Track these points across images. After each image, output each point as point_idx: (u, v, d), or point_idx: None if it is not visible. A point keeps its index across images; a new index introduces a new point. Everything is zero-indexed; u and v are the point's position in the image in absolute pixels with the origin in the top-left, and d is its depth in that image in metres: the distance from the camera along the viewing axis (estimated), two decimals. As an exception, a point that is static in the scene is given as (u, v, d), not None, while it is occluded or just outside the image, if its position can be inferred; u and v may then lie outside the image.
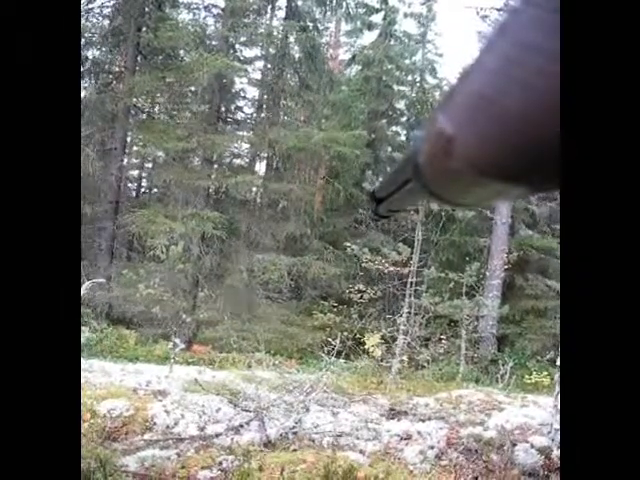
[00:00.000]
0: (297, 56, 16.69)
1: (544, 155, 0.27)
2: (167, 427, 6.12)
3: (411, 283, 11.34)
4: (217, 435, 5.96)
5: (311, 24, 17.27)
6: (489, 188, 0.33)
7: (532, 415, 7.02)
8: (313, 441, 5.96)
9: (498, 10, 18.41)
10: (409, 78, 22.40)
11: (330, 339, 8.73)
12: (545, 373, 11.18)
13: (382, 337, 11.70)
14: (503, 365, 11.43)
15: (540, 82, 0.26)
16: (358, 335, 12.28)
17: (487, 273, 14.26)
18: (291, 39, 16.61)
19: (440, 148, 0.35)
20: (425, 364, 12.07)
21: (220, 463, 5.44)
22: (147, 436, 5.98)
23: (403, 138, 21.47)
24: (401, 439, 6.25)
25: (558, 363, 6.17)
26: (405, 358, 11.45)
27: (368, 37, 21.25)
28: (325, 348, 8.54)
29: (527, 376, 11.68)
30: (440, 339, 12.70)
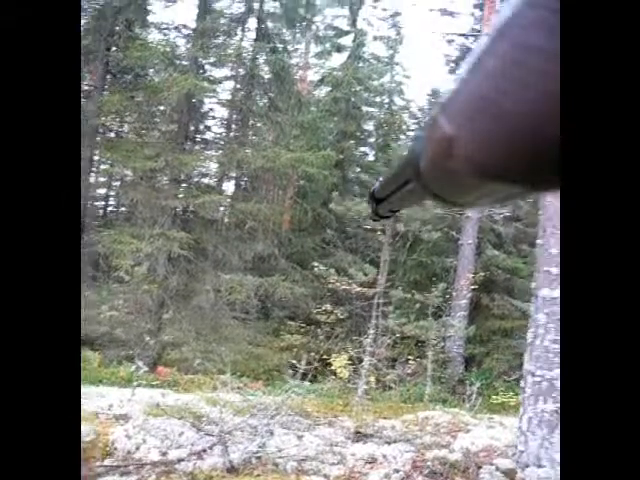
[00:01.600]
0: (266, 77, 16.77)
1: (544, 155, 0.27)
2: (128, 452, 5.99)
3: (377, 304, 11.34)
4: (179, 460, 5.84)
5: (280, 45, 17.38)
6: (489, 188, 0.33)
7: (498, 437, 7.03)
8: (277, 465, 5.87)
9: (463, 35, 18.76)
10: (377, 99, 22.63)
11: (296, 360, 8.70)
12: (512, 393, 11.24)
13: (349, 358, 11.69)
14: (470, 385, 11.46)
15: (540, 82, 0.26)
16: (325, 356, 12.24)
17: (454, 293, 14.35)
18: (260, 60, 16.71)
19: (440, 148, 0.34)
20: (392, 385, 12.07)
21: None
22: (107, 462, 5.84)
23: (371, 159, 21.63)
24: (366, 463, 6.20)
25: (522, 384, 6.19)
26: (372, 379, 11.44)
27: (337, 59, 21.46)
28: (291, 370, 8.49)
29: (494, 396, 11.74)
30: (407, 360, 12.74)
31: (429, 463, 6.14)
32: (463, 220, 14.99)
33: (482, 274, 14.34)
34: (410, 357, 12.77)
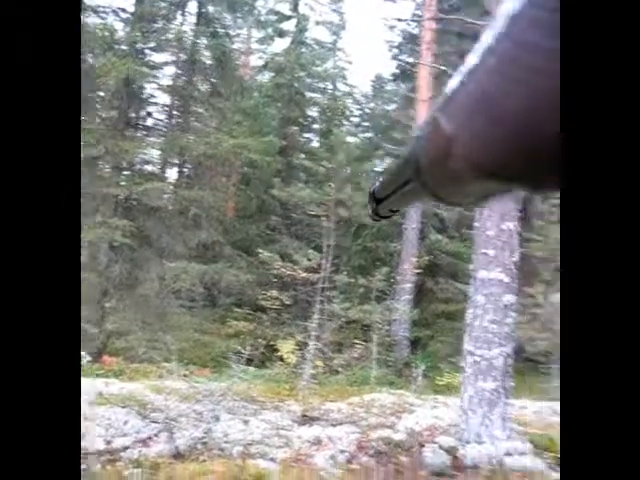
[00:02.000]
0: (208, 62, 16.56)
1: (544, 155, 0.27)
2: (72, 442, 5.92)
3: (322, 289, 11.41)
4: (125, 448, 5.81)
5: (222, 30, 17.17)
6: (489, 188, 0.33)
7: (441, 416, 7.18)
8: (223, 450, 5.89)
9: (405, 21, 18.85)
10: (321, 85, 22.58)
11: (243, 347, 8.69)
12: (456, 374, 11.44)
13: (296, 343, 11.75)
14: (415, 368, 11.62)
15: (540, 82, 0.26)
16: (272, 342, 12.27)
17: (398, 277, 14.52)
18: (202, 45, 16.48)
19: (440, 148, 0.35)
20: (339, 369, 12.16)
21: (128, 477, 5.31)
22: (51, 452, 5.76)
23: (315, 145, 21.63)
24: (312, 445, 6.26)
25: (462, 364, 6.33)
26: (320, 364, 11.52)
27: (280, 44, 21.35)
28: (238, 356, 8.49)
29: (438, 378, 11.93)
30: (354, 344, 12.84)
31: (374, 443, 6.23)
32: (406, 205, 15.13)
33: (426, 258, 14.55)
34: (356, 341, 12.90)
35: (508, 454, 5.84)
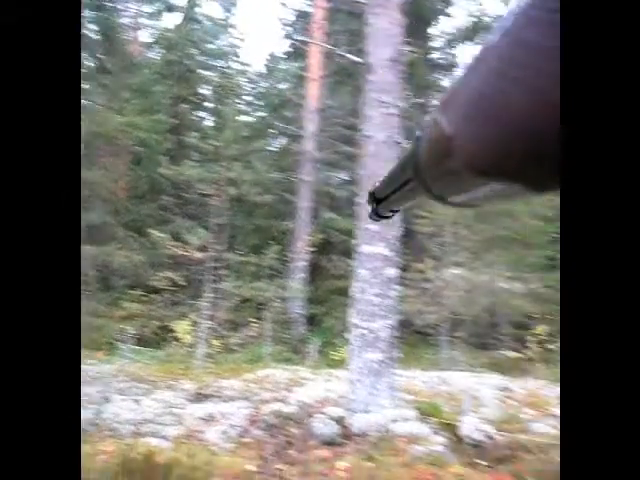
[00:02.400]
0: (94, 37, 16.05)
1: (544, 155, 0.28)
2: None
3: (214, 268, 11.39)
4: (11, 434, 5.67)
5: (109, 4, 16.67)
6: (489, 188, 0.33)
7: (332, 389, 7.38)
8: (113, 431, 5.86)
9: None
10: (213, 63, 22.25)
11: (137, 329, 8.61)
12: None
13: (191, 323, 11.70)
14: (310, 344, 11.81)
15: (540, 82, 0.26)
16: (167, 323, 12.17)
17: (292, 256, 14.65)
18: (87, 18, 15.93)
19: (440, 148, 0.35)
20: (236, 348, 12.21)
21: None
22: None
23: (208, 123, 21.37)
24: (204, 421, 6.32)
25: (349, 337, 6.51)
26: (217, 343, 11.53)
27: (170, 20, 20.92)
28: (131, 338, 8.40)
29: (333, 353, 12.17)
30: (250, 322, 12.91)
31: (265, 417, 6.34)
32: (298, 184, 15.26)
33: (319, 236, 14.73)
34: (252, 320, 12.97)
35: (394, 421, 6.07)
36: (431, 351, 13.59)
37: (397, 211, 0.73)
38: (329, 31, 15.93)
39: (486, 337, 15.67)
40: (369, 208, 0.75)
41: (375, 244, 6.01)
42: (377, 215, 0.74)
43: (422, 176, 0.42)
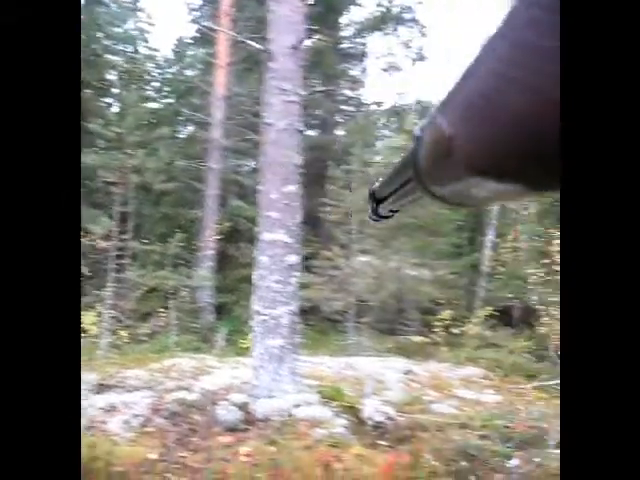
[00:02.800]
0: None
1: (543, 155, 0.27)
2: None
3: (118, 257, 11.20)
4: None
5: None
6: (489, 188, 0.33)
7: (238, 376, 7.39)
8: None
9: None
10: (120, 47, 21.66)
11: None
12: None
13: (97, 314, 11.46)
14: (219, 332, 11.78)
15: (539, 82, 0.26)
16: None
17: (200, 244, 14.54)
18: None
19: (440, 148, 0.35)
20: (144, 338, 12.05)
21: None
22: None
23: (115, 110, 20.84)
24: (106, 412, 6.23)
25: (251, 324, 6.55)
26: (124, 334, 11.34)
27: (74, 2, 20.17)
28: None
29: (241, 341, 12.16)
30: (158, 312, 12.76)
31: (169, 405, 6.31)
32: (206, 171, 15.13)
33: (227, 224, 14.68)
34: (161, 309, 12.82)
35: (297, 406, 6.15)
36: (339, 337, 13.77)
37: (397, 211, 0.73)
38: (236, 17, 15.81)
39: (393, 322, 15.99)
40: (369, 208, 0.76)
41: (276, 231, 6.05)
42: (377, 215, 0.75)
43: (422, 176, 0.42)
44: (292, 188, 6.11)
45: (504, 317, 18.27)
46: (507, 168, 0.30)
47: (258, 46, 6.65)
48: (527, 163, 0.28)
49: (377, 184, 0.71)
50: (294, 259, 6.21)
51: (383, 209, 0.71)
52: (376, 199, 0.70)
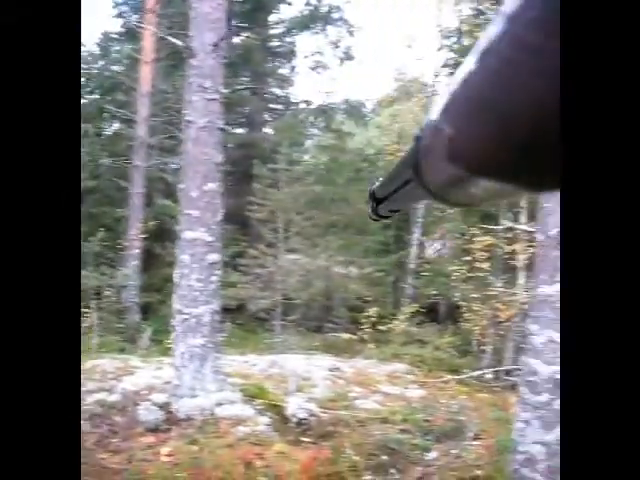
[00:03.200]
0: None
1: (544, 156, 0.27)
2: None
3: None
4: None
5: None
6: (489, 188, 0.33)
7: (161, 376, 7.32)
8: None
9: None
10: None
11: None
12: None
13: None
14: (145, 332, 11.62)
15: (540, 83, 0.25)
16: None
17: (126, 243, 14.31)
18: None
19: (440, 149, 0.35)
20: (67, 339, 11.79)
21: None
22: None
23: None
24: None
25: (172, 322, 6.50)
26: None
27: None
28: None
29: (167, 341, 12.03)
30: (84, 313, 12.50)
31: (89, 407, 6.21)
32: (131, 169, 14.89)
33: (152, 223, 14.48)
34: (85, 309, 12.56)
35: (220, 404, 6.14)
36: (267, 335, 13.77)
37: (397, 211, 0.74)
38: (161, 13, 15.61)
39: (321, 320, 16.09)
40: (369, 208, 0.75)
41: (196, 230, 6.02)
42: (377, 215, 0.74)
43: (422, 176, 0.41)
44: (213, 186, 6.09)
45: (430, 314, 18.61)
46: (507, 168, 0.30)
47: (180, 43, 6.59)
48: (527, 163, 0.28)
49: (377, 184, 0.71)
50: (215, 257, 6.19)
51: (383, 209, 0.71)
52: (376, 199, 0.70)
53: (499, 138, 0.28)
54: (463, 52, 17.17)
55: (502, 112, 0.27)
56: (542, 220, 4.10)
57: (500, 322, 11.68)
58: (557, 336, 3.90)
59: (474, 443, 6.42)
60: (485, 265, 12.14)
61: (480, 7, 13.12)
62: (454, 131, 0.32)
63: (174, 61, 15.87)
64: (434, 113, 0.35)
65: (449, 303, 17.07)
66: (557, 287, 3.88)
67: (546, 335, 3.93)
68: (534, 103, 0.26)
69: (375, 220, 0.82)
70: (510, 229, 10.55)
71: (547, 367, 3.94)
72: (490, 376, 10.85)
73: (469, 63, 0.30)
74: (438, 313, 19.08)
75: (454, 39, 19.08)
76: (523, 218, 11.17)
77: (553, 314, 3.90)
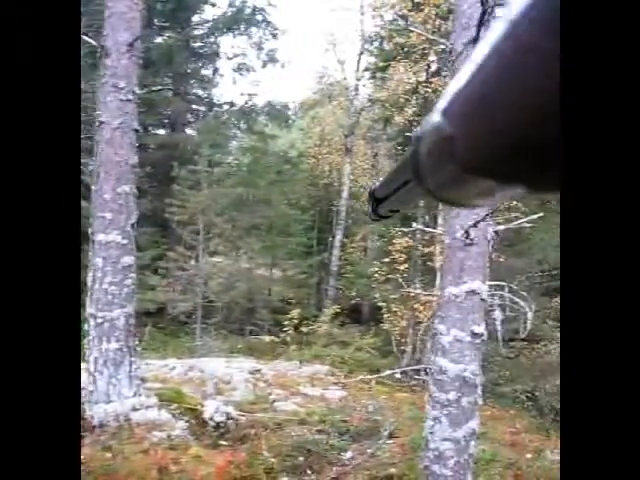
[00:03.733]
0: None
1: (544, 156, 0.27)
2: None
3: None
4: None
5: None
6: (490, 189, 0.33)
7: (75, 382, 7.15)
8: None
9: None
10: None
11: None
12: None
13: None
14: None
15: (540, 83, 0.25)
16: None
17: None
18: None
19: (440, 148, 0.35)
20: None
21: None
22: None
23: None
24: None
25: (86, 327, 6.37)
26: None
27: None
28: None
29: (86, 346, 11.75)
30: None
31: None
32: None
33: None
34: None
35: (135, 410, 6.05)
36: (188, 339, 13.63)
37: (397, 211, 0.73)
38: (81, 11, 15.23)
39: (243, 323, 16.04)
40: (369, 208, 0.75)
41: (110, 232, 5.91)
42: (377, 215, 0.74)
43: (422, 176, 0.41)
44: (127, 188, 5.98)
45: (354, 315, 18.83)
46: (508, 169, 0.30)
47: (94, 42, 6.46)
48: (528, 164, 0.28)
49: (377, 184, 0.71)
50: (129, 260, 6.08)
51: (383, 209, 0.71)
52: (376, 199, 0.70)
53: (499, 138, 0.28)
54: (384, 56, 17.47)
55: (502, 112, 0.27)
56: (448, 222, 4.21)
57: (419, 322, 11.92)
58: (462, 335, 4.02)
59: (389, 442, 6.53)
60: (403, 267, 12.37)
61: (400, 13, 13.33)
62: (454, 131, 0.32)
63: (91, 60, 15.51)
64: (434, 113, 0.35)
65: (371, 304, 17.28)
66: (463, 287, 3.99)
67: (452, 334, 4.04)
68: (534, 103, 0.26)
69: (375, 220, 0.81)
70: (423, 231, 10.76)
71: (454, 365, 4.04)
72: (409, 376, 11.05)
73: (470, 63, 0.31)
74: (361, 314, 19.31)
75: (376, 44, 19.38)
76: (441, 220, 11.43)
77: (459, 314, 4.02)
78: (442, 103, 0.34)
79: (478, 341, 4.06)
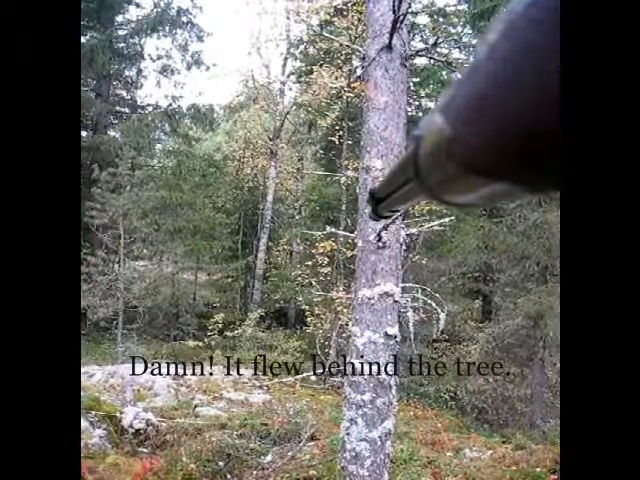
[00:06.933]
0: None
1: (545, 156, 0.27)
2: None
3: None
4: None
5: None
6: (489, 189, 0.32)
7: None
8: None
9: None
10: None
11: None
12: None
13: None
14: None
15: (540, 83, 0.25)
16: None
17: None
18: None
19: (440, 149, 0.34)
20: None
21: None
22: None
23: None
24: None
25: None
26: None
27: None
28: None
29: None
30: None
31: None
32: None
33: None
34: None
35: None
36: (110, 345, 13.39)
37: (397, 211, 0.72)
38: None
39: (168, 328, 15.87)
40: (369, 208, 0.74)
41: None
42: (377, 215, 0.73)
43: (422, 176, 0.41)
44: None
45: (279, 318, 18.87)
46: (508, 169, 0.30)
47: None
48: (528, 164, 0.28)
49: (378, 184, 0.70)
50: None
51: (383, 209, 0.70)
52: (376, 199, 0.69)
53: (499, 138, 0.28)
54: (308, 61, 17.59)
55: (502, 112, 0.28)
56: (361, 225, 4.29)
57: (343, 324, 12.02)
58: (376, 337, 4.09)
59: (309, 444, 6.58)
60: (327, 270, 12.47)
61: (325, 18, 13.44)
62: (454, 131, 0.32)
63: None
64: (434, 113, 0.35)
65: (296, 307, 17.35)
66: (376, 290, 4.07)
67: (366, 336, 4.11)
68: (534, 104, 0.26)
69: (375, 220, 0.82)
70: (336, 234, 10.85)
71: (368, 367, 4.12)
72: (332, 378, 11.15)
73: (470, 63, 0.31)
74: (287, 317, 19.36)
75: (301, 48, 19.48)
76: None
77: (372, 316, 4.09)
78: (442, 103, 0.35)
79: (392, 342, 4.15)
